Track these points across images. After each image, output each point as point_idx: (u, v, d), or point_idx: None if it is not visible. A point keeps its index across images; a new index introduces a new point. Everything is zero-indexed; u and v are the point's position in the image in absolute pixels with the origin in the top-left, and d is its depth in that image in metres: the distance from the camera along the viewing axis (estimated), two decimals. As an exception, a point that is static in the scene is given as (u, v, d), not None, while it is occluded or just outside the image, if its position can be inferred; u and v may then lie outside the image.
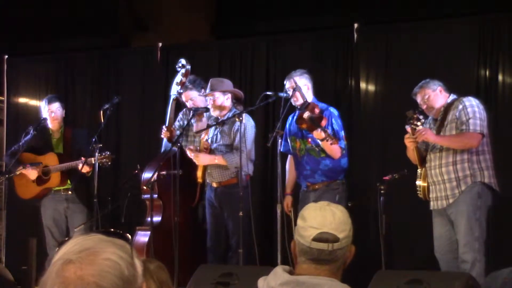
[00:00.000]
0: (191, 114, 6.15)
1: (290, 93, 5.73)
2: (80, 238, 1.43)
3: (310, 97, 5.85)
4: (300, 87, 5.72)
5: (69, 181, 6.69)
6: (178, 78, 6.22)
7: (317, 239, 2.25)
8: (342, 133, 5.71)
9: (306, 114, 5.50)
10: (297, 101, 5.75)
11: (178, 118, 6.45)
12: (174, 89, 6.25)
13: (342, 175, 5.78)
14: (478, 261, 5.10)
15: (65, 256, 1.39)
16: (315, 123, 5.42)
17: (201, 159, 5.91)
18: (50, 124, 6.78)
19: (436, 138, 5.26)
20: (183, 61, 6.24)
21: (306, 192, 5.83)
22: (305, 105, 5.64)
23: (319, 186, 5.75)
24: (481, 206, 5.19)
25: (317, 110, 5.59)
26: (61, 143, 6.80)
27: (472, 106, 5.24)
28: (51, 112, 6.75)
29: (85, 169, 6.43)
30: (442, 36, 6.39)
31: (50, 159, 6.66)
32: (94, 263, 1.37)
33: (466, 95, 5.40)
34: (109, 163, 6.36)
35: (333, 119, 5.70)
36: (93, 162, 6.29)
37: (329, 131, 5.46)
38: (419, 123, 5.14)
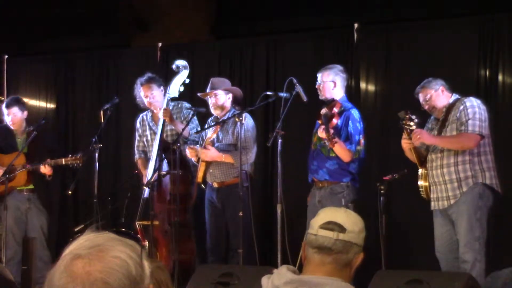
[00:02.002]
0: (191, 114, 6.15)
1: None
2: (92, 235, 1.44)
3: (338, 94, 5.76)
4: (300, 86, 5.70)
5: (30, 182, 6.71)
6: (180, 79, 6.19)
7: (324, 226, 2.30)
8: (358, 137, 5.59)
9: (323, 110, 5.50)
10: (323, 95, 5.73)
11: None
12: (175, 90, 6.21)
13: (348, 178, 5.66)
14: (478, 261, 5.10)
15: (74, 251, 1.40)
16: (324, 120, 5.43)
17: (210, 154, 5.87)
18: (12, 126, 6.79)
19: (432, 139, 5.26)
20: (185, 62, 6.24)
21: (313, 188, 5.80)
22: (329, 102, 5.64)
23: (323, 184, 5.70)
24: (482, 206, 5.19)
25: (335, 109, 5.55)
26: (25, 143, 6.73)
27: (473, 107, 5.22)
28: (8, 115, 6.75)
29: (47, 171, 6.44)
30: (442, 36, 6.40)
31: (17, 158, 6.59)
32: (103, 259, 1.37)
33: (468, 95, 5.39)
34: (80, 165, 6.36)
35: (350, 122, 5.60)
36: (52, 164, 6.37)
37: (343, 133, 5.46)
38: (412, 123, 5.13)
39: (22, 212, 6.70)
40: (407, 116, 5.12)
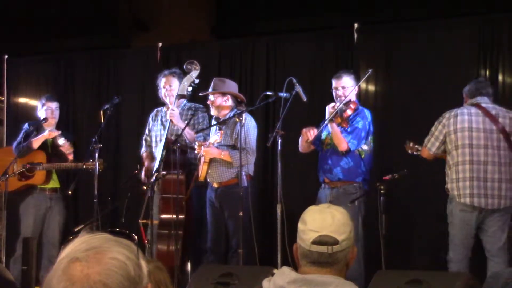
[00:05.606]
0: (190, 113, 6.15)
1: (340, 92, 5.75)
2: (87, 237, 1.43)
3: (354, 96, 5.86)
4: (300, 86, 5.70)
5: (55, 180, 6.72)
6: (190, 78, 6.15)
7: (316, 242, 2.25)
8: (363, 134, 5.68)
9: (339, 106, 5.58)
10: (342, 97, 5.74)
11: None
12: (183, 89, 6.16)
13: (361, 178, 5.72)
14: (451, 261, 5.28)
15: (71, 254, 1.39)
16: (339, 112, 5.56)
17: (210, 151, 5.88)
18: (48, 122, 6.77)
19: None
20: (195, 62, 6.22)
21: (324, 188, 5.82)
22: (346, 102, 5.67)
23: (336, 184, 5.72)
24: (452, 210, 5.34)
25: (352, 106, 5.63)
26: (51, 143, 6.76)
27: (437, 121, 5.43)
28: (51, 110, 6.74)
29: (66, 149, 6.52)
30: (442, 36, 6.39)
31: (38, 157, 6.62)
32: (101, 262, 1.37)
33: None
34: (101, 170, 6.37)
35: (359, 117, 5.69)
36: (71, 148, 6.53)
37: (350, 125, 5.51)
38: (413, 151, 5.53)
39: (43, 211, 6.71)
40: (414, 148, 5.52)
